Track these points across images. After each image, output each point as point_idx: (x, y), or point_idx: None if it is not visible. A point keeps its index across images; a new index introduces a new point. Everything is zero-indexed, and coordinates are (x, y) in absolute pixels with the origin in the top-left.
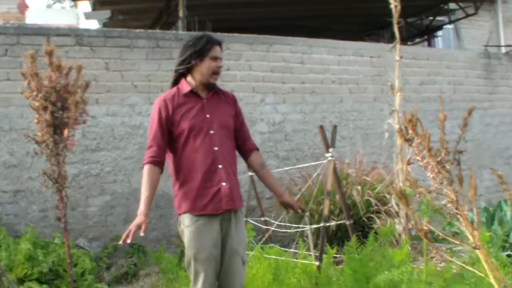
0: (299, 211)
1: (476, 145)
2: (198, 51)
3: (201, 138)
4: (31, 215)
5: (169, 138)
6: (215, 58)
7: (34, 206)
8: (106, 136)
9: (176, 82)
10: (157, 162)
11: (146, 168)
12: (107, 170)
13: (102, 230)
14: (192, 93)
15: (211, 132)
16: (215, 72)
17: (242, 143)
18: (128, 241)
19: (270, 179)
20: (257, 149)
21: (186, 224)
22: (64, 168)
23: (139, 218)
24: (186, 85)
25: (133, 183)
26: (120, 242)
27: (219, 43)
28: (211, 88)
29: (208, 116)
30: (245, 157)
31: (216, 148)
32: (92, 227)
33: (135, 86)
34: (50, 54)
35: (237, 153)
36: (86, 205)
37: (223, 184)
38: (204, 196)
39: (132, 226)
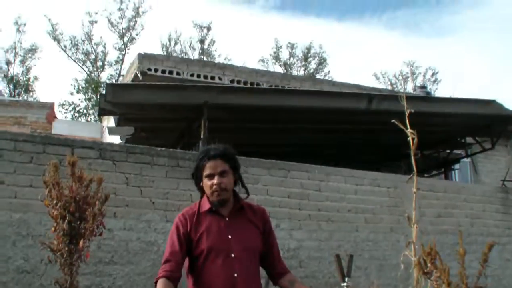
0: None
1: (495, 281)
2: (195, 172)
3: (221, 261)
4: None
5: (187, 256)
6: (210, 176)
7: None
8: (121, 250)
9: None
10: (173, 278)
11: (161, 282)
12: (119, 284)
13: None
14: (212, 211)
15: (232, 255)
16: (215, 191)
17: (271, 266)
18: None
19: None
20: (289, 272)
21: None
22: (77, 279)
23: None
24: (206, 202)
25: None
26: None
27: (215, 157)
28: (234, 204)
29: (230, 237)
30: (275, 282)
31: (235, 275)
32: None
33: (152, 203)
34: (72, 165)
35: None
36: None
37: None
38: None
39: None
